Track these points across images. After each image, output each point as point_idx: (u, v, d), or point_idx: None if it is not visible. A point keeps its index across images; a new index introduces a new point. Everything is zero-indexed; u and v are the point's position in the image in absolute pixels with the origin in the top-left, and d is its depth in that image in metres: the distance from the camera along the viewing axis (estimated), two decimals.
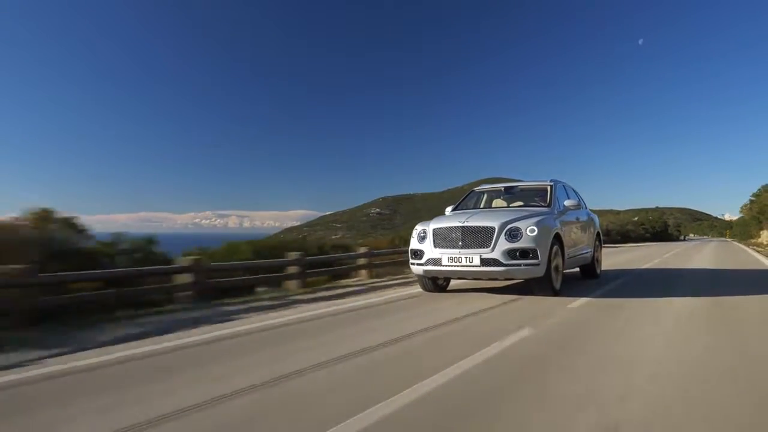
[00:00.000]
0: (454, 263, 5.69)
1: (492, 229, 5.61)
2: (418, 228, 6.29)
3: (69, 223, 6.32)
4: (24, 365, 3.22)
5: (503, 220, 5.67)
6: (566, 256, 6.33)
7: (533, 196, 7.18)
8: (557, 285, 5.90)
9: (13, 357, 3.44)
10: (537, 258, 5.48)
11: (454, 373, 2.66)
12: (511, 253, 5.48)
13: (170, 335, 4.06)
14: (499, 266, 5.47)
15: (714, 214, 72.97)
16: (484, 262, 5.51)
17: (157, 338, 3.97)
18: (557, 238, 5.99)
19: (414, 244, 6.20)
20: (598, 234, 8.41)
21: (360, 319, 4.64)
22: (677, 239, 55.84)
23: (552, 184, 7.08)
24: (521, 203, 7.17)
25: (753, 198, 30.78)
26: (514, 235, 5.55)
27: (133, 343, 3.79)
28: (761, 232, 24.18)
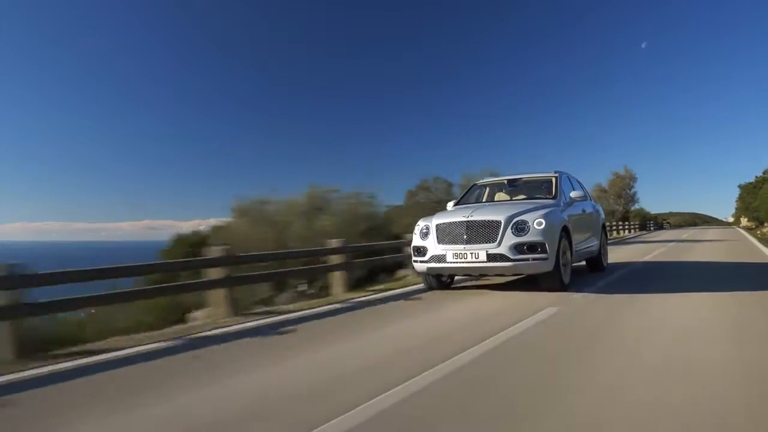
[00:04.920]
0: (459, 259, 5.47)
1: (498, 223, 5.40)
2: (421, 224, 6.07)
3: None
4: None
5: (509, 214, 5.46)
6: (574, 249, 6.13)
7: (537, 189, 6.97)
8: (566, 279, 5.70)
9: None
10: (545, 252, 5.27)
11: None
12: (518, 248, 5.27)
13: None
14: (506, 261, 5.26)
15: (719, 217, 77.14)
16: (491, 257, 5.30)
17: None
18: (565, 231, 5.79)
19: (416, 240, 5.98)
20: (603, 226, 8.21)
21: None
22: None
23: (557, 175, 6.87)
24: (525, 196, 6.95)
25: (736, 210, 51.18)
26: (521, 228, 5.34)
27: None
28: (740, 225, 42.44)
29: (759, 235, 18.97)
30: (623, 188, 33.25)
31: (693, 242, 15.29)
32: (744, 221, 38.31)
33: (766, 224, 25.42)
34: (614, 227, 26.57)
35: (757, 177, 38.45)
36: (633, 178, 33.51)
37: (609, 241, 25.21)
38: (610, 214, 31.27)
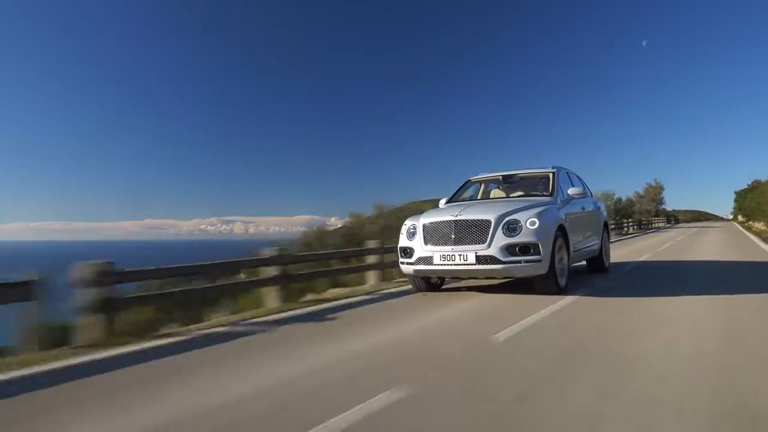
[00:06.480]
0: (446, 261, 5.12)
1: (488, 222, 5.04)
2: (408, 223, 5.72)
3: None
4: None
5: (500, 212, 5.09)
6: (571, 250, 5.76)
7: (534, 185, 6.60)
8: (562, 282, 5.33)
9: None
10: (539, 253, 4.90)
11: None
12: (509, 249, 4.91)
13: None
14: (496, 264, 4.90)
15: (719, 215, 78.98)
16: (480, 259, 4.94)
17: None
18: (561, 231, 5.43)
19: (403, 241, 5.63)
20: (605, 224, 7.81)
21: None
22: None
23: (554, 171, 6.48)
24: (521, 193, 6.59)
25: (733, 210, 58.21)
26: (512, 228, 4.97)
27: None
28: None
29: (746, 226, 31.42)
30: (655, 195, 47.51)
31: (708, 228, 28.80)
32: (739, 218, 49.51)
33: (752, 220, 35.42)
34: (653, 221, 39.64)
35: (748, 185, 49.06)
36: (662, 188, 48.19)
37: (663, 227, 36.26)
38: (646, 212, 43.84)
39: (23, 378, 2.86)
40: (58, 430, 2.04)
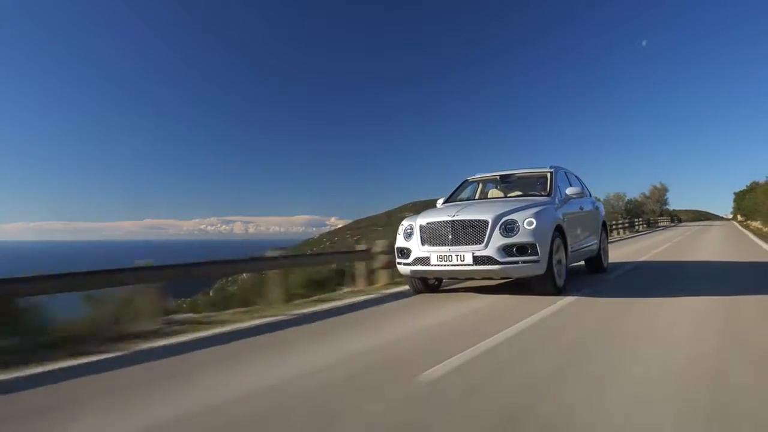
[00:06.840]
0: (443, 262, 5.09)
1: (485, 222, 5.00)
2: (405, 224, 5.69)
3: None
4: None
5: (498, 213, 5.06)
6: (569, 250, 5.73)
7: (532, 185, 6.57)
8: (560, 282, 5.30)
9: None
10: (536, 254, 4.87)
11: None
12: (507, 249, 4.88)
13: None
14: (493, 264, 4.87)
15: (720, 214, 79.82)
16: (477, 260, 4.91)
17: None
18: (559, 231, 5.40)
19: (400, 241, 5.60)
20: (603, 224, 7.78)
21: None
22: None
23: (552, 170, 6.45)
24: (520, 192, 6.56)
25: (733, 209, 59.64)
26: (510, 228, 4.94)
27: None
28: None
29: (744, 225, 33.89)
30: (660, 196, 51.64)
31: (710, 227, 31.43)
32: (738, 217, 51.90)
33: (750, 220, 37.45)
34: (658, 220, 43.54)
35: (747, 186, 52.02)
36: (666, 190, 52.63)
37: (668, 226, 40.46)
38: (651, 212, 46.54)
39: (374, 299, 5.68)
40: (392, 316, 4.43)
